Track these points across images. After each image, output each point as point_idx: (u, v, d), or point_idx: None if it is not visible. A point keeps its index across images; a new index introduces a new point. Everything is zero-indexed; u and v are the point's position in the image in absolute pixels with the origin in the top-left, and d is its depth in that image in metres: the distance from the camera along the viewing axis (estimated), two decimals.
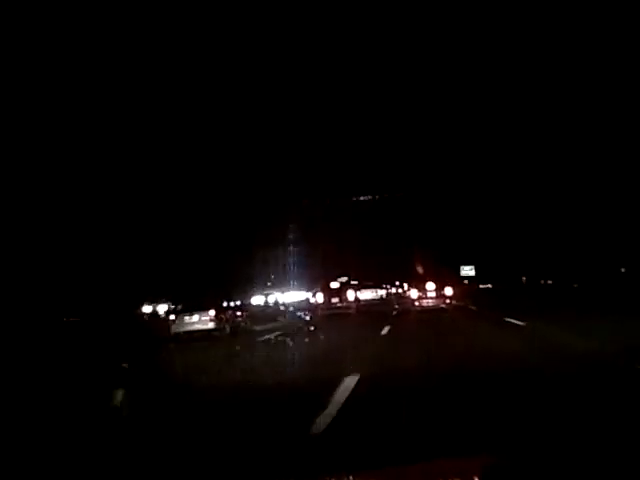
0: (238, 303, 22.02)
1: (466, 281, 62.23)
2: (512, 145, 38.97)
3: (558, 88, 33.71)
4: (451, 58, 43.56)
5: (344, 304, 27.51)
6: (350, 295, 28.18)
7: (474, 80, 38.69)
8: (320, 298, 27.89)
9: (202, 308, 19.84)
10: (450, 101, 43.24)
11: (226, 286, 22.78)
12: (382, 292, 46.74)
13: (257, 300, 30.66)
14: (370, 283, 42.34)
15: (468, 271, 63.56)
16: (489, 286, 62.37)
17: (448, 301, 25.85)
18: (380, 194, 59.41)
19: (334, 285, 28.75)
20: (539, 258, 49.55)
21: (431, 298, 26.01)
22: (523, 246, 50.82)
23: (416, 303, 26.36)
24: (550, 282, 48.21)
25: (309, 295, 32.44)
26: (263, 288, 32.22)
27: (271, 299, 35.34)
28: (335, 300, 27.68)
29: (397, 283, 61.13)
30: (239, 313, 21.03)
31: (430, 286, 26.60)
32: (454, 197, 56.75)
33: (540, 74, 34.67)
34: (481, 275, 62.77)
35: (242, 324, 21.44)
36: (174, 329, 19.33)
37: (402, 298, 48.61)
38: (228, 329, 18.79)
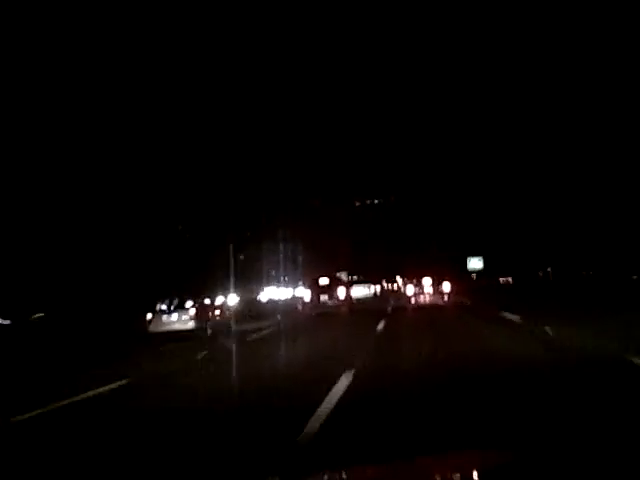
0: (222, 301, 20.83)
1: (474, 275, 58.00)
2: (525, 124, 36.53)
3: (569, 73, 33.53)
4: (450, 52, 42.21)
5: (334, 302, 26.15)
6: (341, 292, 27.09)
7: (479, 66, 37.32)
8: (307, 296, 26.90)
9: (182, 307, 19.22)
10: (456, 84, 41.65)
11: (208, 283, 21.68)
12: (376, 288, 43.70)
13: (245, 298, 29.05)
14: (363, 279, 40.37)
15: (475, 263, 57.52)
16: (509, 280, 56.44)
17: (446, 298, 25.23)
18: (379, 193, 56.33)
19: (323, 281, 27.27)
20: (568, 246, 43.01)
21: (428, 294, 25.10)
22: (543, 233, 44.71)
23: (412, 300, 24.86)
24: (591, 273, 40.26)
25: (300, 292, 30.67)
26: (252, 285, 30.73)
27: (262, 297, 33.91)
28: (324, 298, 26.51)
29: (393, 279, 58.69)
30: (224, 312, 19.91)
31: (427, 281, 25.57)
32: (458, 180, 51.15)
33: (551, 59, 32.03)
34: (491, 268, 56.34)
35: (227, 323, 20.80)
36: (152, 329, 18.46)
37: (397, 294, 47.65)
38: (210, 329, 17.57)
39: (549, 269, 49.22)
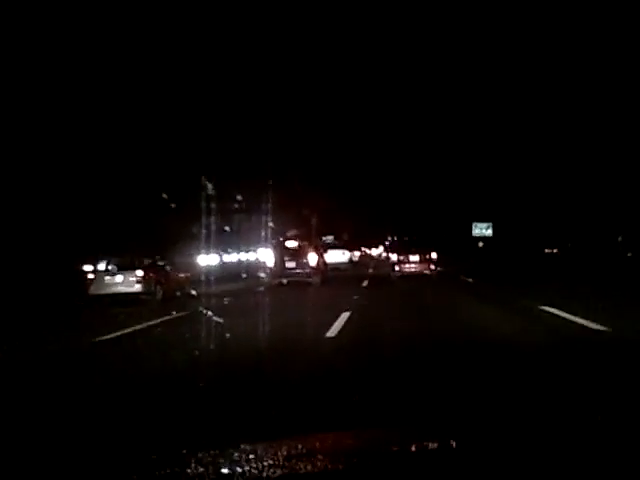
0: (180, 262, 18.51)
1: (481, 243, 48.13)
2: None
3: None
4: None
5: (304, 270, 21.37)
6: (312, 259, 21.59)
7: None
8: (269, 261, 22.04)
9: (127, 267, 17.37)
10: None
11: (162, 241, 19.33)
12: (353, 254, 39.55)
13: (210, 259, 26.58)
14: (338, 243, 36.70)
15: (483, 230, 47.89)
16: (555, 252, 46.62)
17: (433, 267, 23.74)
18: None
19: (290, 244, 22.29)
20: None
21: (414, 263, 22.60)
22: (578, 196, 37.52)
23: (396, 268, 24.07)
24: None
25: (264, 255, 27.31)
26: (220, 246, 28.28)
27: (229, 258, 31.42)
28: (291, 265, 21.43)
29: (375, 245, 56.25)
30: (181, 275, 17.59)
31: (413, 253, 23.09)
32: (462, 133, 45.72)
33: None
34: (502, 236, 46.38)
35: (185, 287, 18.98)
36: (93, 291, 17.49)
37: (379, 261, 45.66)
38: (160, 293, 15.36)
39: (620, 238, 37.74)
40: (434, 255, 23.52)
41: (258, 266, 25.66)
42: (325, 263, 24.42)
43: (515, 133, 40.51)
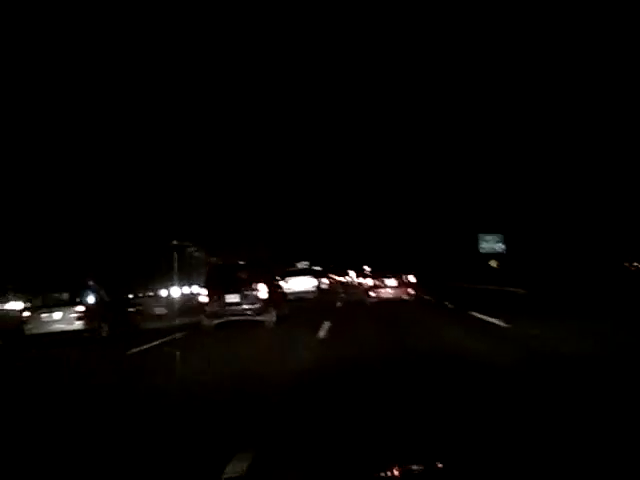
0: (130, 296, 17.20)
1: (494, 263, 37.38)
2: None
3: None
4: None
5: (251, 306, 15.97)
6: (261, 290, 16.12)
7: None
8: (203, 294, 17.04)
9: (67, 303, 16.18)
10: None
11: (110, 275, 17.95)
12: (320, 281, 36.66)
13: (166, 292, 25.33)
14: (298, 269, 34.37)
15: (492, 244, 37.78)
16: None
17: (411, 291, 22.22)
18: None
19: (231, 272, 17.23)
20: None
21: (390, 287, 21.09)
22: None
23: (371, 294, 22.60)
24: None
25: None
26: (175, 278, 27.29)
27: (187, 290, 30.14)
28: (233, 299, 16.04)
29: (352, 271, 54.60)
30: (131, 309, 16.25)
31: (388, 277, 21.72)
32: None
33: None
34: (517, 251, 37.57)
35: (135, 323, 18.38)
36: (28, 330, 17.10)
37: (351, 288, 44.47)
38: (106, 330, 13.87)
39: None
40: (412, 279, 22.25)
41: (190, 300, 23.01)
42: (282, 295, 19.75)
43: (523, 131, 36.18)
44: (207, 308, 16.20)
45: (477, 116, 38.42)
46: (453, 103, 40.33)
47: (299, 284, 30.77)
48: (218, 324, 16.03)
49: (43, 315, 15.87)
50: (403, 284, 22.06)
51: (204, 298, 16.55)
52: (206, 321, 16.14)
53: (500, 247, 37.06)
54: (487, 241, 37.23)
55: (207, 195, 36.68)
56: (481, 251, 37.24)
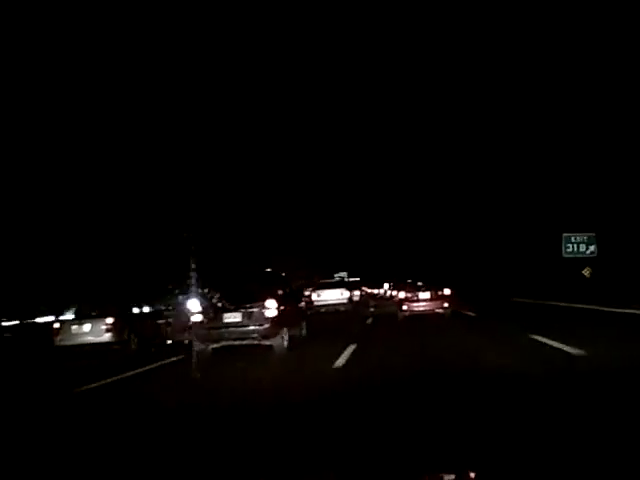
0: (161, 308, 17.34)
1: (587, 272, 29.71)
2: None
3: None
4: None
5: (257, 327, 13.16)
6: (269, 306, 13.31)
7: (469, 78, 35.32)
8: (196, 312, 13.71)
9: (97, 315, 16.37)
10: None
11: (138, 287, 18.08)
12: (352, 294, 36.17)
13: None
14: (331, 281, 34.55)
15: (581, 246, 29.77)
16: None
17: (446, 305, 21.48)
18: None
19: (233, 282, 14.98)
20: None
21: (424, 301, 20.54)
22: None
23: (404, 307, 21.96)
24: None
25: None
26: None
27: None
28: (233, 318, 13.32)
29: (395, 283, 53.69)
30: (161, 321, 16.33)
31: (422, 290, 21.21)
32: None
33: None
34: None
35: (165, 335, 18.22)
36: (59, 341, 16.50)
37: (383, 300, 44.06)
38: (135, 342, 13.88)
39: None
40: (447, 292, 21.66)
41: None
42: (300, 311, 16.59)
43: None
44: (200, 329, 13.30)
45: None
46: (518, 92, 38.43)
47: (331, 296, 31.35)
48: (216, 349, 13.42)
49: (73, 327, 16.38)
50: (437, 297, 21.70)
51: (197, 316, 13.48)
52: (199, 346, 13.07)
53: (591, 250, 28.72)
54: (574, 243, 28.80)
55: (241, 201, 37.00)
56: (565, 256, 29.03)
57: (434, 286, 22.07)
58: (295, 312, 15.46)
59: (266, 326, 13.11)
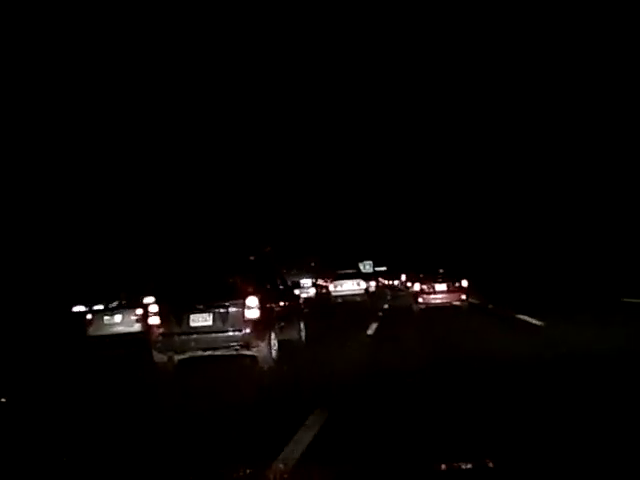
0: None
1: None
2: None
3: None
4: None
5: (234, 332, 10.20)
6: (250, 305, 10.25)
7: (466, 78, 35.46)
8: (153, 314, 10.86)
9: (127, 305, 16.79)
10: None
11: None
12: (369, 284, 38.74)
13: None
14: (350, 272, 35.70)
15: None
16: None
17: (464, 297, 20.97)
18: None
19: (203, 270, 11.63)
20: None
21: (441, 292, 20.27)
22: None
23: (419, 299, 21.46)
24: None
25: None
26: None
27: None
28: (202, 321, 10.35)
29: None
30: None
31: (439, 281, 20.88)
32: None
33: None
34: None
35: None
36: (92, 331, 16.83)
37: (399, 291, 44.35)
38: None
39: None
40: (465, 283, 20.96)
41: None
42: (297, 308, 13.46)
43: None
44: (158, 335, 10.50)
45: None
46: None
47: (347, 287, 34.16)
48: (182, 360, 10.66)
49: (105, 317, 16.96)
50: (455, 289, 20.99)
51: (154, 318, 10.64)
52: (158, 356, 10.58)
53: None
54: None
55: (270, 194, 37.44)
56: None
57: (450, 277, 21.34)
58: (288, 311, 12.33)
59: (246, 331, 10.10)
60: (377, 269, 72.93)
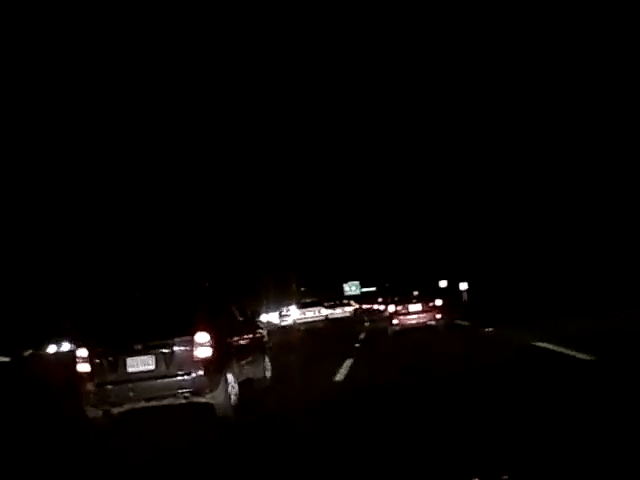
0: None
1: None
2: None
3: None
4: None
5: (184, 377, 8.34)
6: (200, 341, 8.39)
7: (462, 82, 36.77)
8: (82, 359, 8.88)
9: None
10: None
11: None
12: (327, 312, 45.27)
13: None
14: (309, 301, 39.17)
15: None
16: None
17: (439, 316, 21.55)
18: None
19: (143, 301, 9.83)
20: None
21: (415, 313, 21.47)
22: None
23: (394, 321, 22.02)
24: None
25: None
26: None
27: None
28: (140, 365, 8.34)
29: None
30: None
31: (413, 302, 22.28)
32: None
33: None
34: None
35: None
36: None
37: (375, 314, 43.92)
38: None
39: None
40: (439, 302, 21.68)
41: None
42: (258, 344, 11.27)
43: None
44: (90, 384, 8.63)
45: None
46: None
47: (310, 314, 39.33)
48: (120, 414, 8.79)
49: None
50: (429, 309, 21.34)
51: (83, 365, 8.69)
52: (92, 412, 8.75)
53: None
54: None
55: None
56: None
57: (425, 297, 21.64)
58: (249, 346, 10.71)
59: (197, 374, 8.47)
60: (365, 290, 67.82)
